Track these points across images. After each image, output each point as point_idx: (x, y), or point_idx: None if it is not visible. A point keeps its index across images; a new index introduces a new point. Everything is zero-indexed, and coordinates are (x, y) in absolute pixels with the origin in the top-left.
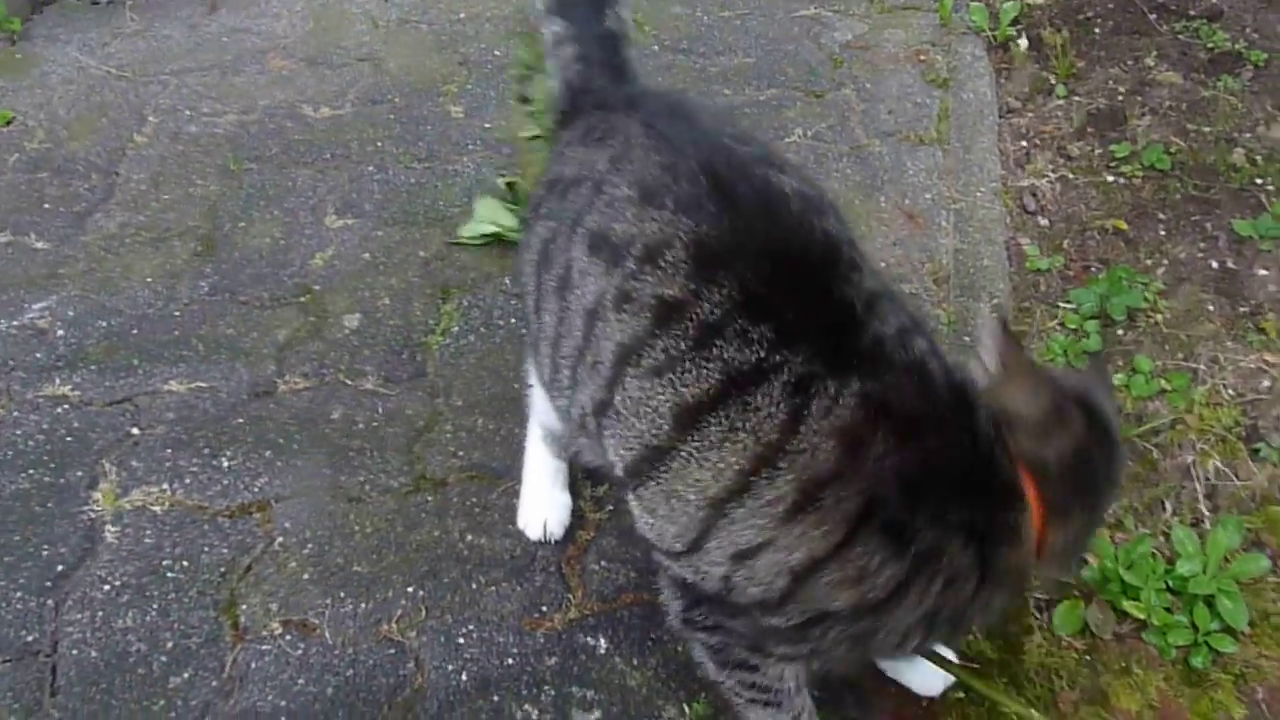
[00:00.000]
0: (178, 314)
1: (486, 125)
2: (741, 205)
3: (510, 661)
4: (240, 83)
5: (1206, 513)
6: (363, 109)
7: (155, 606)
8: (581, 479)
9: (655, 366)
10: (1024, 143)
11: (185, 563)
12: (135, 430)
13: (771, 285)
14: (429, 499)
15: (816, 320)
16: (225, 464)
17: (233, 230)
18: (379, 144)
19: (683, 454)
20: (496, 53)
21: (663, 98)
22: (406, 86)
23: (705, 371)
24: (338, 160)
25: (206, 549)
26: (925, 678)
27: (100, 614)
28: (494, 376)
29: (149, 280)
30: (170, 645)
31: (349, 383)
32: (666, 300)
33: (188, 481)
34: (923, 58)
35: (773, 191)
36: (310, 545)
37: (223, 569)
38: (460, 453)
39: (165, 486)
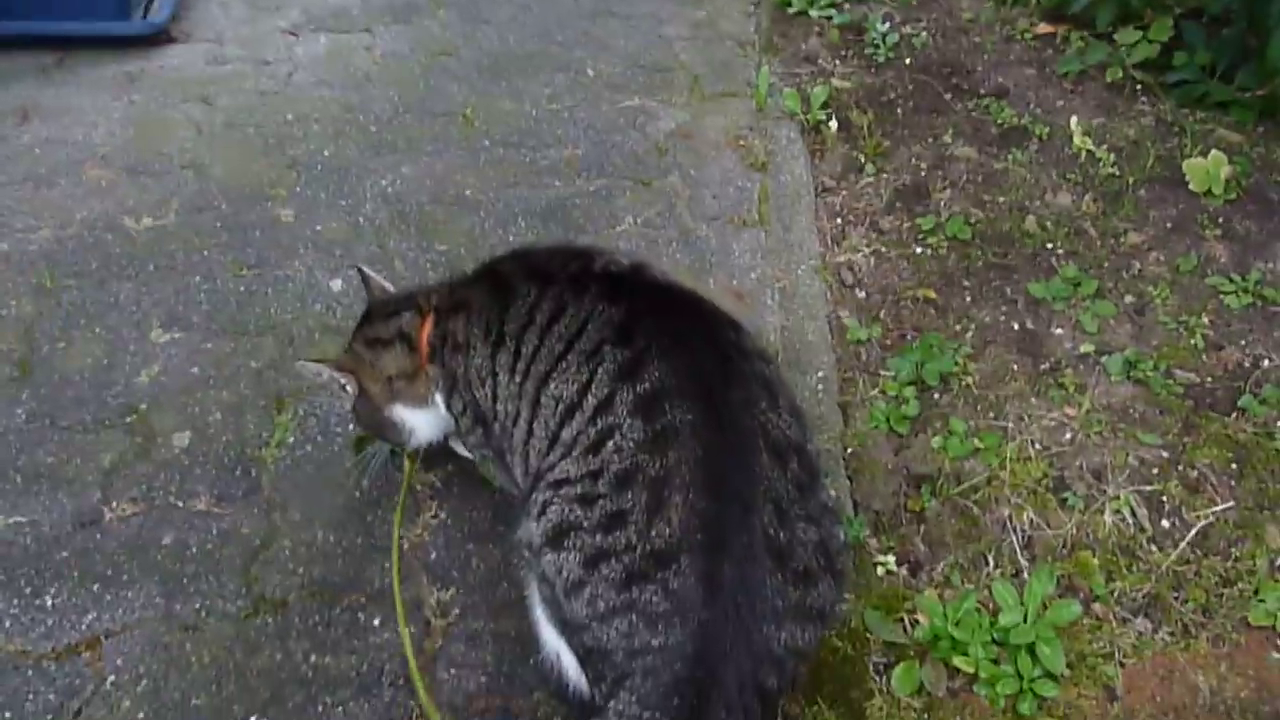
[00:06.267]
0: None
1: (317, 228)
2: None
3: None
4: (55, 196)
5: (1025, 563)
6: (187, 218)
7: None
8: (427, 584)
9: None
10: (839, 220)
11: (8, 714)
12: None
13: None
14: (269, 621)
15: None
16: (49, 602)
17: (51, 352)
18: (205, 253)
19: None
20: (326, 153)
21: None
22: (233, 192)
23: None
24: (162, 272)
25: (31, 696)
26: None
27: None
28: (333, 486)
29: None
30: None
31: (180, 505)
32: None
33: (8, 625)
34: (742, 143)
35: None
36: (145, 681)
37: (50, 717)
38: (300, 570)
39: None
